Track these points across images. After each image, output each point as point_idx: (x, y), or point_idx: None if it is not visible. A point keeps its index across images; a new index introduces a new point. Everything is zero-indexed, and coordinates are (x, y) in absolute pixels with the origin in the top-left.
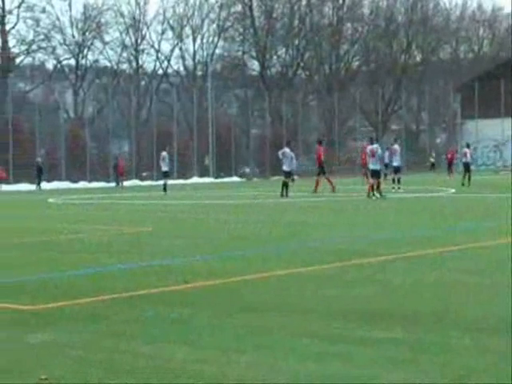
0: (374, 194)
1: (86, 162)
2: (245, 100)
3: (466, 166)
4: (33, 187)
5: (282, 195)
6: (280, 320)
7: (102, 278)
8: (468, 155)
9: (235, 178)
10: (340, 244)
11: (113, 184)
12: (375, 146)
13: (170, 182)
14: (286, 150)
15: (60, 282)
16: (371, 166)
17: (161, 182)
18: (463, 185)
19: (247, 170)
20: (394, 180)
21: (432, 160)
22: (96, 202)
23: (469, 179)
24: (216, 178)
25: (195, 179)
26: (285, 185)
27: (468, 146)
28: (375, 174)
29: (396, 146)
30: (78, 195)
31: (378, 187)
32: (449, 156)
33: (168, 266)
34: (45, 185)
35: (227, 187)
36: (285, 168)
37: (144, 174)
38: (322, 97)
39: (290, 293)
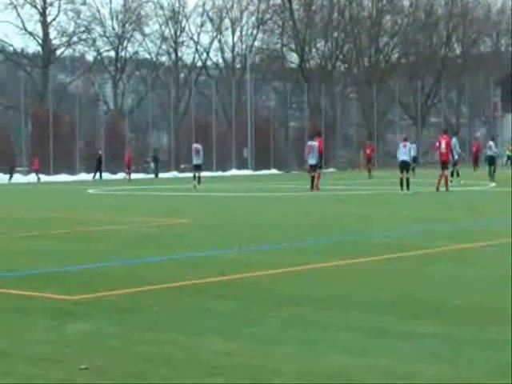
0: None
1: (124, 153)
2: (283, 92)
3: (491, 160)
4: (72, 178)
5: (311, 188)
6: (321, 313)
7: (140, 270)
8: (493, 148)
9: (274, 171)
10: (384, 237)
11: (152, 175)
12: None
13: (206, 174)
14: (313, 142)
15: (99, 273)
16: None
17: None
18: (491, 179)
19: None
20: (452, 173)
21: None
22: (134, 194)
23: (493, 173)
24: (255, 170)
25: (234, 171)
26: (313, 178)
27: (493, 138)
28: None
29: (454, 140)
30: (117, 186)
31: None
32: (473, 149)
33: (205, 258)
34: (84, 176)
35: (266, 179)
36: (311, 162)
37: (182, 166)
38: (361, 89)
39: (331, 286)
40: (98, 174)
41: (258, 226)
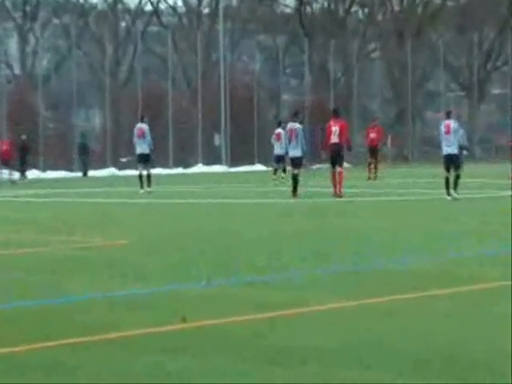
0: None
1: (38, 140)
2: (273, 50)
3: None
4: None
5: (293, 194)
6: (318, 373)
7: (62, 313)
8: None
9: (259, 167)
10: (417, 263)
11: (78, 173)
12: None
13: (159, 171)
14: (295, 125)
15: (3, 318)
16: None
17: (141, 173)
18: None
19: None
20: None
21: None
22: (53, 201)
23: None
24: (231, 166)
25: (200, 168)
26: (294, 178)
27: None
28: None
29: None
30: (25, 189)
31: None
32: None
33: (156, 296)
34: None
35: (246, 179)
36: (293, 153)
37: (124, 159)
38: (389, 46)
39: (337, 336)
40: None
41: (233, 249)
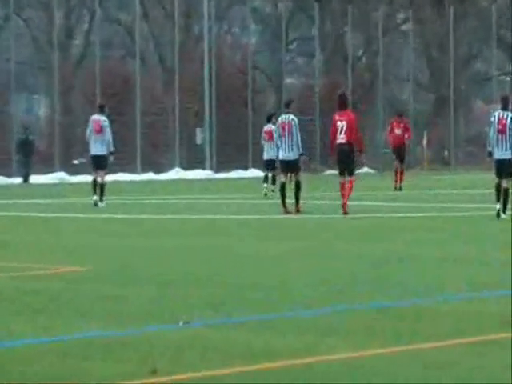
0: None
1: None
2: (274, 20)
3: None
4: None
5: (285, 209)
6: None
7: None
8: None
9: (254, 172)
10: (462, 300)
11: (17, 179)
12: None
13: (123, 177)
14: (289, 117)
15: None
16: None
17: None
18: None
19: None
20: None
21: None
22: None
23: None
24: (217, 171)
25: (177, 173)
26: (283, 188)
27: None
28: None
29: None
30: None
31: None
32: None
33: (119, 340)
34: None
35: (236, 188)
36: (285, 155)
37: (76, 161)
38: (424, 16)
39: None
40: None
41: (219, 279)
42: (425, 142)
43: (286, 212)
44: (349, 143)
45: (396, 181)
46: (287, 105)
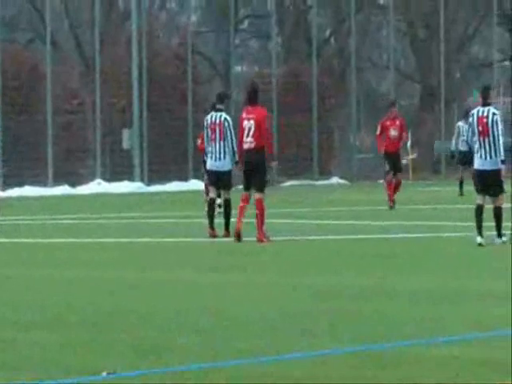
0: None
1: None
2: None
3: None
4: None
5: (211, 232)
6: None
7: None
8: None
9: (195, 184)
10: (467, 343)
11: None
12: None
13: (29, 192)
14: (221, 116)
15: None
16: None
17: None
18: None
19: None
20: None
21: None
22: None
23: None
24: (149, 183)
25: (98, 185)
26: (210, 206)
27: None
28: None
29: None
30: None
31: None
32: None
33: None
34: None
35: (173, 204)
36: (214, 164)
37: None
38: None
39: None
40: None
41: (150, 317)
42: (409, 144)
43: (212, 235)
44: (258, 149)
45: (390, 195)
46: (220, 99)
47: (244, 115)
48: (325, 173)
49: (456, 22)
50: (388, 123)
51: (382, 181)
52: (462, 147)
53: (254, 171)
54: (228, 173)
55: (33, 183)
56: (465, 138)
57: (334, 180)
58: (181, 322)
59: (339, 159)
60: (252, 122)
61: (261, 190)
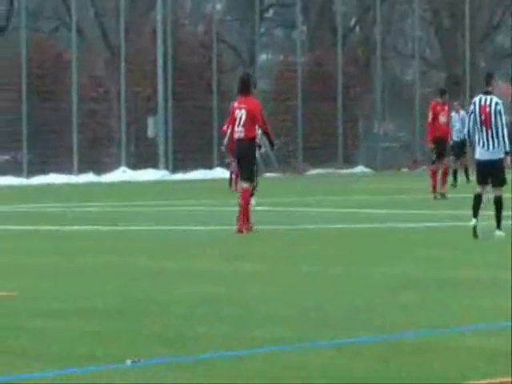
0: None
1: None
2: None
3: None
4: None
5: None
6: None
7: None
8: None
9: (220, 172)
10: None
11: None
12: None
13: (54, 179)
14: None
15: None
16: None
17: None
18: None
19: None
20: None
21: None
22: None
23: None
24: (173, 171)
25: (123, 173)
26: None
27: None
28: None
29: None
30: None
31: None
32: None
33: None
34: None
35: (198, 192)
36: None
37: None
38: None
39: None
40: None
41: (174, 305)
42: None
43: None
44: (248, 139)
45: (434, 186)
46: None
47: (236, 105)
48: (349, 161)
49: (481, 10)
50: (439, 109)
51: (405, 169)
52: (456, 137)
53: (242, 161)
54: (251, 175)
55: (58, 171)
56: (457, 127)
57: (359, 169)
58: (205, 311)
59: (364, 148)
60: (243, 111)
61: (248, 179)
